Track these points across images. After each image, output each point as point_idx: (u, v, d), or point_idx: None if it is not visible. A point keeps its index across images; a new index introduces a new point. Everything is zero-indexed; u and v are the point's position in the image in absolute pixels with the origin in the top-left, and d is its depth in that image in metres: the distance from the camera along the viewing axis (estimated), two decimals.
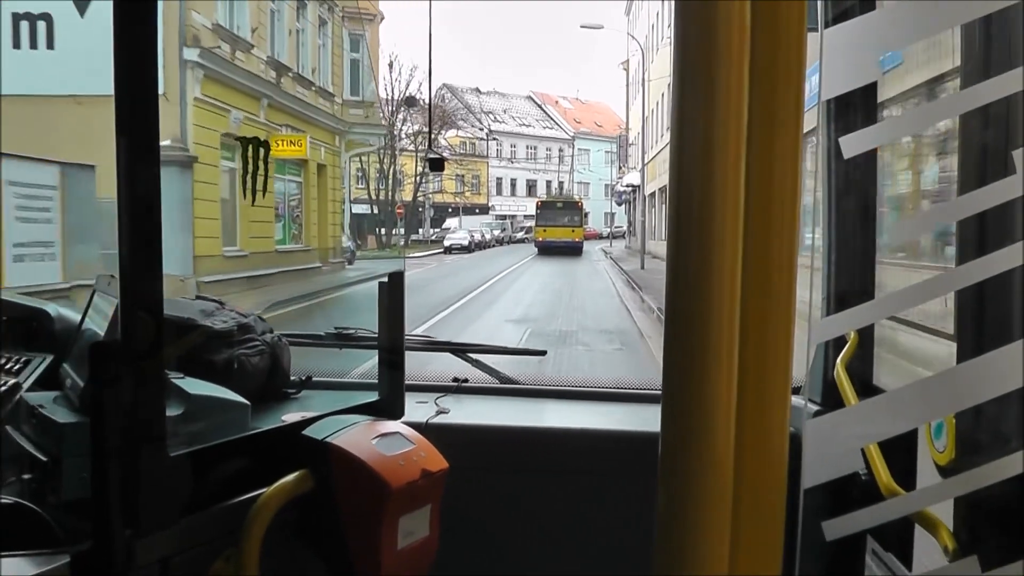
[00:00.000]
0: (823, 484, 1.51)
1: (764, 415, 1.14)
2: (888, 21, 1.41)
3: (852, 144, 1.40)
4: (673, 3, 1.15)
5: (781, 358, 1.15)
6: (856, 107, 2.12)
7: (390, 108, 46.83)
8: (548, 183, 79.03)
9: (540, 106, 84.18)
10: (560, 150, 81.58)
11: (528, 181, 78.72)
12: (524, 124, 79.81)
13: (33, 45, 11.55)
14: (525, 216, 69.13)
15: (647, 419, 2.67)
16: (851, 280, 2.28)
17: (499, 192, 74.86)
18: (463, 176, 66.14)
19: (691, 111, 1.11)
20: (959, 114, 1.55)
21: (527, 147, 79.10)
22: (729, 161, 1.08)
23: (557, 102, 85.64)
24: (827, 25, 1.45)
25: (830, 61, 1.29)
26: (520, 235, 66.23)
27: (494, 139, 73.45)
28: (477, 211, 66.22)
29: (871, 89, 2.08)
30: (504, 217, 69.21)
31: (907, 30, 1.37)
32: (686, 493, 1.15)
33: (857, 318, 1.72)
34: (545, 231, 46.68)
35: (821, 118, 2.11)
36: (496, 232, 61.51)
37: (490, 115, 74.57)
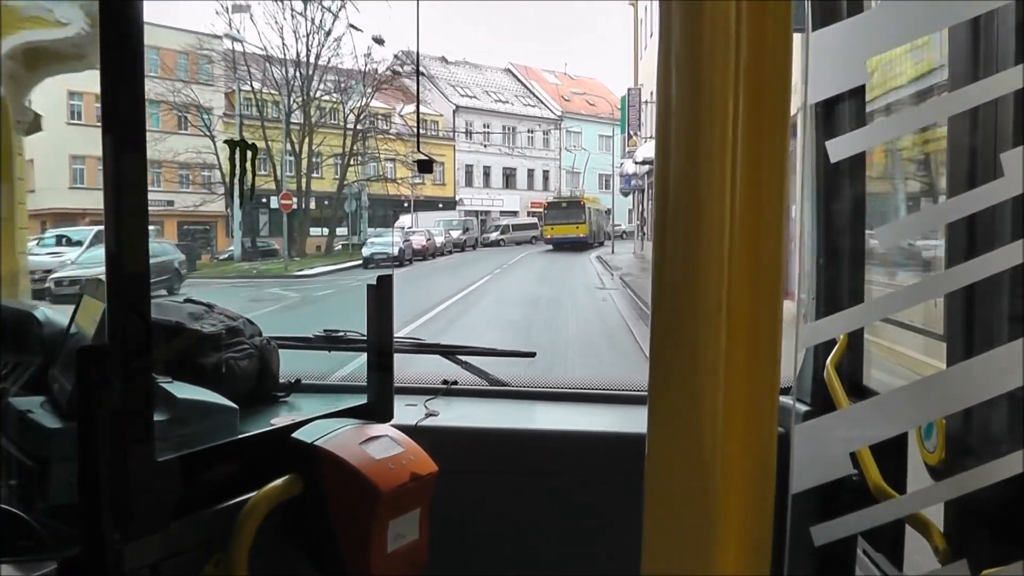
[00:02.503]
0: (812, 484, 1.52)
1: (752, 415, 1.14)
2: (875, 24, 1.41)
3: (839, 148, 1.40)
4: (658, 5, 1.15)
5: (769, 358, 1.14)
6: (844, 110, 2.12)
7: (300, 67, 35.45)
8: (530, 172, 63.73)
9: (521, 80, 67.65)
10: (545, 133, 65.11)
11: (505, 169, 61.54)
12: (500, 100, 63.29)
13: None
14: (502, 212, 57.89)
15: (636, 420, 2.67)
16: (840, 283, 2.28)
17: (469, 183, 58.42)
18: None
19: (677, 112, 1.11)
20: (947, 117, 1.55)
21: (504, 128, 61.91)
22: (716, 162, 1.08)
23: (541, 76, 69.22)
24: (814, 28, 1.45)
25: (817, 65, 1.29)
26: (495, 236, 52.94)
27: (461, 116, 57.19)
28: (441, 206, 51.30)
29: (859, 92, 2.08)
30: (476, 213, 56.35)
31: (894, 33, 1.37)
32: (673, 494, 1.15)
33: (846, 322, 1.72)
34: (553, 228, 48.64)
35: (808, 122, 2.11)
36: (455, 233, 46.86)
37: (458, 88, 59.67)
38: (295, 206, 33.67)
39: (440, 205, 51.31)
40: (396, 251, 33.08)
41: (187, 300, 2.59)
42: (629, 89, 45.07)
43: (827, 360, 2.19)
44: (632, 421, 2.69)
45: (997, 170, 1.31)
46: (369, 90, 37.75)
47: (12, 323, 2.32)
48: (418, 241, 37.68)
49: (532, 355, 3.28)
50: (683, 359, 1.11)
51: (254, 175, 2.18)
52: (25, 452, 1.91)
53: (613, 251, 43.03)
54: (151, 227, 1.68)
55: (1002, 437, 1.51)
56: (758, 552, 1.16)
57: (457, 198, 55.49)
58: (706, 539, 1.12)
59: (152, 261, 1.69)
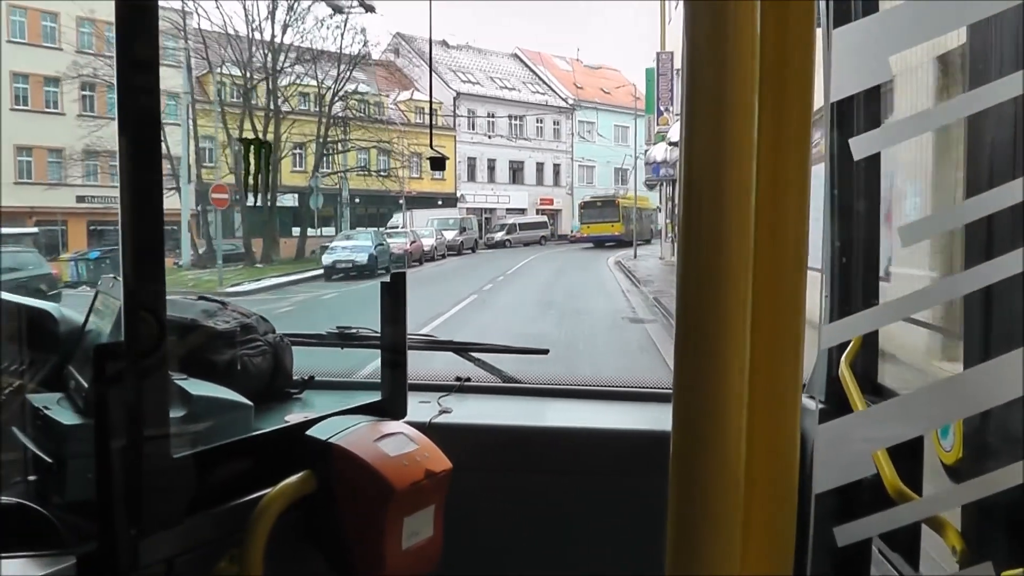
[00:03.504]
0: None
1: (775, 414, 1.14)
2: (896, 21, 1.40)
3: (861, 146, 1.39)
4: (682, 4, 1.14)
5: (791, 358, 1.14)
6: (860, 109, 2.12)
7: (262, 45, 29.39)
8: (539, 165, 56.87)
9: (529, 66, 60.57)
10: (555, 122, 58.25)
11: (512, 163, 55.14)
12: (507, 87, 56.53)
13: None
14: (508, 210, 52.86)
15: (650, 417, 2.67)
16: (856, 284, 2.27)
17: (472, 177, 51.90)
18: (420, 155, 40.85)
19: (702, 111, 1.10)
20: (967, 115, 1.54)
21: (510, 117, 55.07)
22: (740, 162, 1.08)
23: (552, 62, 61.83)
24: (833, 25, 1.44)
25: (839, 63, 1.28)
26: (499, 236, 47.98)
27: (463, 103, 50.36)
28: (440, 203, 45.56)
29: (874, 91, 2.07)
30: (481, 211, 50.73)
31: (916, 30, 1.36)
32: (699, 492, 1.14)
33: (867, 322, 1.71)
34: (589, 227, 48.56)
35: (825, 121, 2.10)
36: (450, 233, 39.89)
37: (459, 73, 53.20)
38: (233, 201, 26.77)
39: (439, 202, 46.44)
40: (364, 258, 24.81)
41: (201, 297, 2.60)
42: (658, 54, 36.84)
43: (841, 358, 2.18)
44: (645, 418, 2.69)
45: (1016, 169, 1.31)
46: (344, 67, 32.07)
47: (29, 320, 2.33)
48: (399, 245, 29.42)
49: (545, 352, 3.27)
50: (708, 359, 1.11)
51: (268, 174, 2.18)
52: (42, 448, 1.93)
53: (635, 255, 36.14)
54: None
55: (1021, 436, 1.51)
56: (781, 550, 1.16)
57: (458, 194, 49.99)
58: (731, 536, 1.12)
59: None
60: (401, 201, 38.43)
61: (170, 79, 27.42)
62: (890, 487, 1.76)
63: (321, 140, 32.03)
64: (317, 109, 32.46)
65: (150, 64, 1.65)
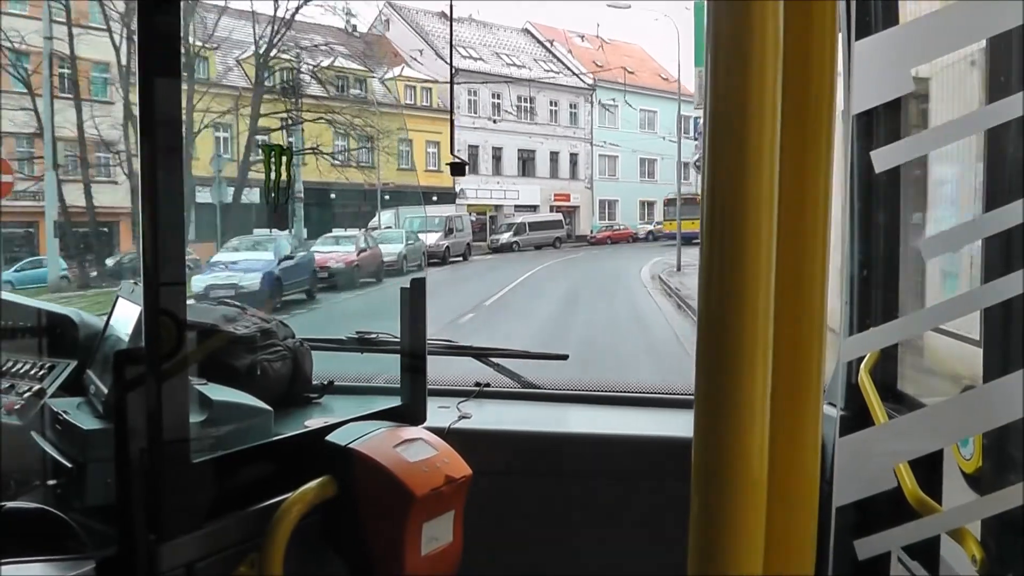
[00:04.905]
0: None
1: (796, 422, 1.14)
2: (918, 33, 1.39)
3: (883, 158, 1.38)
4: (706, 5, 1.14)
5: (813, 365, 1.14)
6: (881, 121, 2.10)
7: None
8: (553, 155, 48.44)
9: (542, 42, 51.59)
10: (572, 106, 49.43)
11: (521, 152, 46.96)
12: (515, 64, 47.49)
13: None
14: (517, 207, 45.61)
15: (670, 423, 2.66)
16: (876, 297, 2.26)
17: (474, 169, 42.96)
18: (411, 143, 33.81)
19: (725, 116, 1.10)
20: (986, 128, 1.53)
21: (520, 99, 46.60)
22: (763, 170, 1.08)
23: (569, 39, 52.15)
24: (848, 37, 1.44)
25: (860, 75, 1.28)
26: (505, 238, 41.16)
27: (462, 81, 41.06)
28: (436, 199, 37.78)
29: (895, 103, 2.06)
30: (497, 209, 44.40)
31: (937, 43, 1.35)
32: (720, 499, 1.14)
33: (883, 337, 1.70)
34: (671, 224, 43.37)
35: (847, 133, 2.09)
36: (433, 237, 32.20)
37: (459, 48, 44.14)
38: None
39: (435, 198, 37.96)
40: (257, 280, 13.02)
41: (220, 302, 2.61)
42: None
43: (861, 366, 2.17)
44: (665, 424, 2.67)
45: None
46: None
47: (49, 325, 2.35)
48: (337, 255, 16.95)
49: (565, 357, 3.26)
50: (729, 366, 1.10)
51: (290, 178, 2.19)
52: (62, 453, 1.94)
53: (679, 267, 27.42)
54: None
55: None
56: (803, 557, 1.16)
57: (457, 189, 40.60)
58: (754, 539, 1.12)
59: None
60: (387, 197, 28.40)
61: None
62: (910, 495, 1.75)
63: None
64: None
65: (173, 66, 1.66)
